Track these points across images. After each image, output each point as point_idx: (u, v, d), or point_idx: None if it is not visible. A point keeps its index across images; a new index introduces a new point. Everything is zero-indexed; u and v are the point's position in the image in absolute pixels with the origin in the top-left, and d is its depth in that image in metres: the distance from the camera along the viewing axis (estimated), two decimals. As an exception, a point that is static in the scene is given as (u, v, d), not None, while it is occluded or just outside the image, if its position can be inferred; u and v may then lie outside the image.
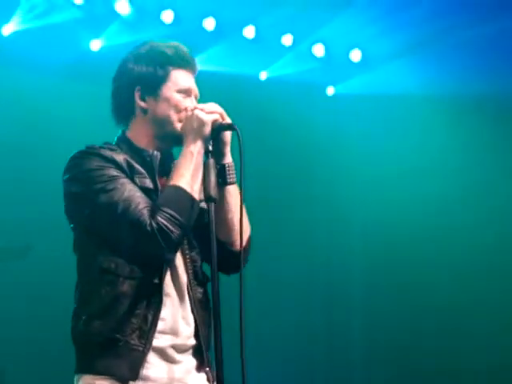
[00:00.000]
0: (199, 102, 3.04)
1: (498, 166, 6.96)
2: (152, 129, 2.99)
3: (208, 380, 3.00)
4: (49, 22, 6.15)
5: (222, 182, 2.95)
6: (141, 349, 2.84)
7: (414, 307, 7.15)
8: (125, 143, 3.01)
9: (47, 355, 6.07)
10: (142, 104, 2.99)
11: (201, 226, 2.91)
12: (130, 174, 2.91)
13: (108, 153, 2.91)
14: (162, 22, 6.46)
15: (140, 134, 3.00)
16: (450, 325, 7.05)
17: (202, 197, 2.88)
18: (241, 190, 2.93)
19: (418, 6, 6.62)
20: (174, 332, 2.91)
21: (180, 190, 2.84)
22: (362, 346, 7.59)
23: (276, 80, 7.14)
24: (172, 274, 2.93)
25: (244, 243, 2.93)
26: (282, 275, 7.25)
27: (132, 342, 2.84)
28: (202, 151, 2.90)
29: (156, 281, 2.88)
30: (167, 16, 6.47)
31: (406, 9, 6.72)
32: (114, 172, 2.87)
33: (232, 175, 2.97)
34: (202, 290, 3.00)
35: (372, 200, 7.47)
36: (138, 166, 2.94)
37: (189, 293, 2.95)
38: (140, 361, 2.83)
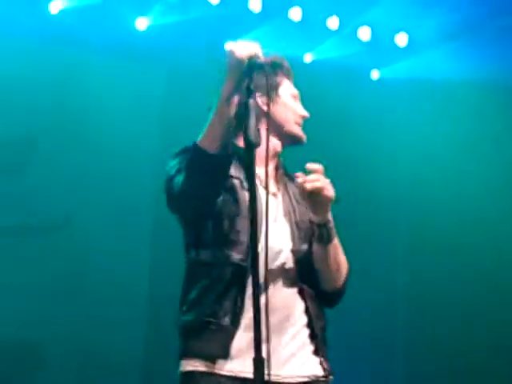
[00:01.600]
0: None
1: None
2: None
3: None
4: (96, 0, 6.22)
5: (327, 240, 3.03)
6: (231, 328, 2.95)
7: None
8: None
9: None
10: (265, 108, 3.12)
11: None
12: None
13: None
14: (208, 3, 6.45)
15: None
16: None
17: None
18: (267, 150, 2.85)
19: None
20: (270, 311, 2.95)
21: (192, 148, 2.89)
22: (404, 325, 7.54)
23: (321, 63, 7.11)
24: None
25: (342, 280, 3.12)
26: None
27: (224, 324, 2.95)
28: (233, 92, 2.87)
29: (242, 263, 2.97)
30: (214, -4, 6.48)
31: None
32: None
33: (333, 234, 3.06)
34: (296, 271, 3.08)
35: (416, 185, 7.41)
36: None
37: (282, 274, 3.04)
38: (229, 339, 2.94)
